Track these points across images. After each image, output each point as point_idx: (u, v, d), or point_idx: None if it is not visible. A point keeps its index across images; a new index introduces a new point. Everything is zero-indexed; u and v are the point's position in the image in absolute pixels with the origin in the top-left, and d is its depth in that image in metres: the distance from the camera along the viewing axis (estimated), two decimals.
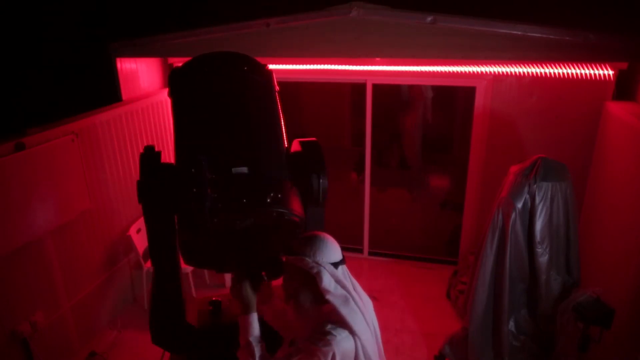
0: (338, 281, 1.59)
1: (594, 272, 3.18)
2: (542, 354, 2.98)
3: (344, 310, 1.57)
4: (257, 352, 1.62)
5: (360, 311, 1.62)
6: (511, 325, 2.95)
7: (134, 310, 4.21)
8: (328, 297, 1.56)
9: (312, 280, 1.56)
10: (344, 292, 1.60)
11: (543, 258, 2.78)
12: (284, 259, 1.66)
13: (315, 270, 1.55)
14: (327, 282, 1.56)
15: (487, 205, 3.74)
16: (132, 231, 3.97)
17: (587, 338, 2.64)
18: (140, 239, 4.05)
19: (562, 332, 2.77)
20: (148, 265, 4.08)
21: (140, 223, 4.12)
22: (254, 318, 1.67)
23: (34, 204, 3.09)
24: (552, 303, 2.84)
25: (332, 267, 1.58)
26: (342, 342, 1.53)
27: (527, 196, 2.73)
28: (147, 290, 4.20)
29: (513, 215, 2.75)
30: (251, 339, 1.64)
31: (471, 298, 3.04)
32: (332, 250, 1.61)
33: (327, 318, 1.59)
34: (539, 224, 2.73)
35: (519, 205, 2.74)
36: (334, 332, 1.54)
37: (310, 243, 1.59)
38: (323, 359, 1.50)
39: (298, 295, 1.63)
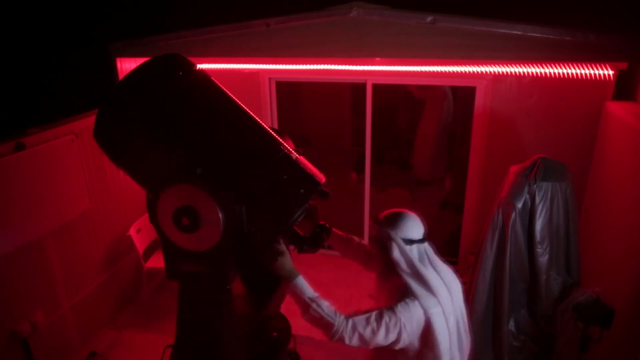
0: (404, 254, 1.76)
1: (594, 272, 3.18)
2: (542, 354, 2.98)
3: (412, 284, 1.75)
4: (323, 303, 1.73)
5: (432, 289, 1.76)
6: (511, 325, 2.95)
7: (134, 310, 4.21)
8: (398, 269, 1.76)
9: (386, 250, 1.78)
10: (413, 268, 1.76)
11: (543, 258, 2.78)
12: (370, 225, 1.84)
13: (388, 242, 1.76)
14: (397, 255, 1.76)
15: (487, 205, 3.74)
16: (132, 231, 3.97)
17: (587, 338, 2.64)
18: (140, 239, 4.05)
19: (562, 332, 2.77)
20: (148, 265, 4.08)
21: (140, 223, 4.12)
22: (302, 280, 1.75)
23: (34, 204, 3.09)
24: (552, 303, 2.84)
25: (402, 243, 1.76)
26: (411, 308, 1.72)
27: (527, 196, 2.72)
28: (147, 290, 4.20)
29: (513, 215, 2.75)
30: (308, 297, 1.73)
31: (471, 298, 3.04)
32: (409, 227, 1.79)
33: (401, 287, 1.77)
34: (539, 224, 2.73)
35: (519, 205, 2.74)
36: (407, 300, 1.73)
37: (392, 216, 1.80)
38: (394, 319, 1.69)
39: (378, 261, 1.85)
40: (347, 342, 1.73)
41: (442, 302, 1.78)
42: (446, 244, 5.02)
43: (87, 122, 3.61)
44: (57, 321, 3.41)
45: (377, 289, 2.01)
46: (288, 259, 1.74)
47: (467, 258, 4.30)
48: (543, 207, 2.71)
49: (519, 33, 3.14)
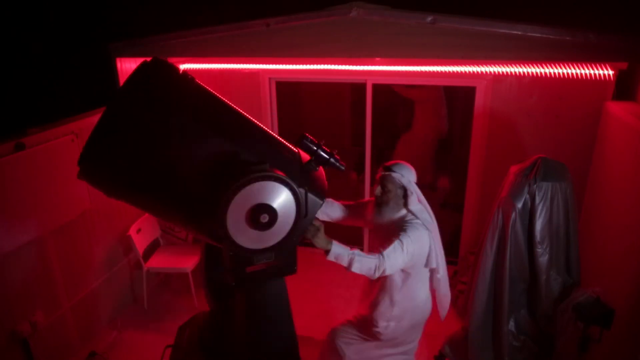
0: (417, 192, 2.44)
1: (594, 272, 3.18)
2: (542, 354, 2.97)
3: (420, 215, 2.42)
4: (360, 252, 2.22)
5: (431, 218, 2.48)
6: (511, 325, 2.95)
7: (134, 310, 4.21)
8: (412, 205, 2.42)
9: (404, 192, 2.42)
10: (423, 202, 2.46)
11: (543, 258, 2.78)
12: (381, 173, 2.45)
13: (409, 186, 2.40)
14: (414, 195, 2.41)
15: (487, 205, 3.74)
16: (132, 231, 3.97)
17: (587, 338, 2.64)
18: (140, 239, 4.05)
19: (562, 332, 2.77)
20: (148, 265, 4.08)
21: (140, 223, 4.12)
22: (337, 244, 2.19)
23: (34, 204, 3.09)
24: (552, 303, 2.84)
25: (415, 186, 2.43)
26: (420, 228, 2.36)
27: (527, 196, 2.72)
28: (147, 290, 4.20)
29: (513, 215, 2.74)
30: (350, 254, 2.19)
31: (471, 298, 3.04)
32: (414, 173, 2.47)
33: (405, 219, 2.41)
34: (539, 224, 2.73)
35: (519, 205, 2.73)
36: (414, 222, 2.37)
37: (405, 166, 2.45)
38: (414, 227, 2.34)
39: (391, 200, 2.43)
40: (387, 272, 2.28)
41: (436, 225, 2.49)
42: (446, 244, 5.01)
43: (87, 122, 3.61)
44: (57, 321, 3.41)
45: (375, 231, 2.59)
46: (323, 232, 2.08)
47: (467, 258, 4.30)
48: (543, 207, 2.71)
49: (519, 33, 3.14)
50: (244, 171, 1.46)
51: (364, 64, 4.25)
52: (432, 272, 2.61)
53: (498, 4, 3.76)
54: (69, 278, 3.51)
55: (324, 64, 4.30)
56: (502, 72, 3.92)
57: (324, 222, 2.62)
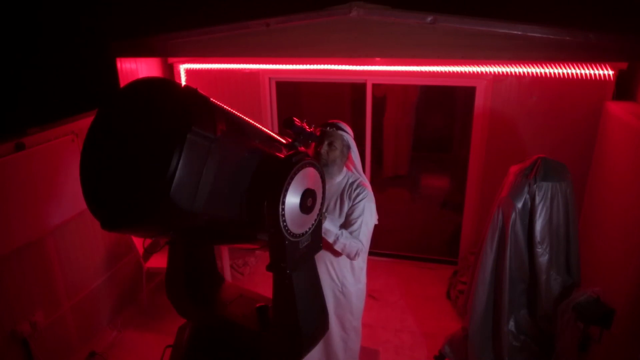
0: (355, 150, 2.58)
1: (594, 272, 3.18)
2: (542, 354, 2.98)
3: (361, 173, 2.60)
4: (346, 234, 2.39)
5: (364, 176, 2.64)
6: (511, 325, 2.95)
7: (134, 310, 4.21)
8: (350, 162, 2.57)
9: (347, 148, 2.52)
10: (357, 159, 2.61)
11: (543, 258, 2.78)
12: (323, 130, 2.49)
13: (350, 142, 2.53)
14: (354, 150, 2.56)
15: (487, 205, 3.74)
16: None
17: (587, 338, 2.64)
18: (140, 239, 4.04)
19: (562, 332, 2.77)
20: (148, 265, 4.08)
21: None
22: (329, 221, 2.35)
23: (34, 204, 3.09)
24: (552, 303, 2.84)
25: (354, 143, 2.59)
26: (370, 195, 2.49)
27: (527, 196, 2.72)
28: (147, 290, 4.20)
29: (513, 215, 2.75)
30: (335, 234, 2.34)
31: (471, 298, 3.04)
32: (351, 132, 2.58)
33: (356, 182, 2.52)
34: (539, 224, 2.73)
35: (519, 205, 2.74)
36: (364, 191, 2.48)
37: (346, 126, 2.53)
38: (370, 198, 2.49)
39: (337, 158, 2.48)
40: (365, 249, 2.49)
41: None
42: (446, 244, 5.02)
43: (87, 122, 3.57)
44: (57, 321, 3.41)
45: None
46: None
47: (467, 258, 4.31)
48: (543, 207, 2.71)
49: (519, 33, 3.14)
50: (288, 164, 1.49)
51: (364, 64, 4.25)
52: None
53: (498, 4, 3.76)
54: (69, 278, 3.51)
55: (324, 64, 4.30)
56: (502, 72, 3.93)
57: None
